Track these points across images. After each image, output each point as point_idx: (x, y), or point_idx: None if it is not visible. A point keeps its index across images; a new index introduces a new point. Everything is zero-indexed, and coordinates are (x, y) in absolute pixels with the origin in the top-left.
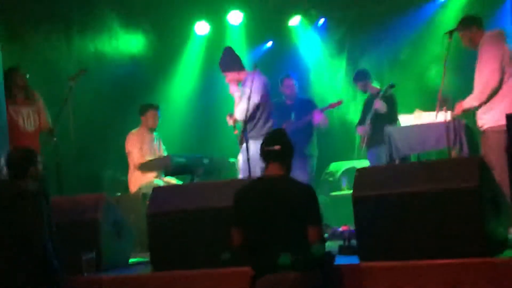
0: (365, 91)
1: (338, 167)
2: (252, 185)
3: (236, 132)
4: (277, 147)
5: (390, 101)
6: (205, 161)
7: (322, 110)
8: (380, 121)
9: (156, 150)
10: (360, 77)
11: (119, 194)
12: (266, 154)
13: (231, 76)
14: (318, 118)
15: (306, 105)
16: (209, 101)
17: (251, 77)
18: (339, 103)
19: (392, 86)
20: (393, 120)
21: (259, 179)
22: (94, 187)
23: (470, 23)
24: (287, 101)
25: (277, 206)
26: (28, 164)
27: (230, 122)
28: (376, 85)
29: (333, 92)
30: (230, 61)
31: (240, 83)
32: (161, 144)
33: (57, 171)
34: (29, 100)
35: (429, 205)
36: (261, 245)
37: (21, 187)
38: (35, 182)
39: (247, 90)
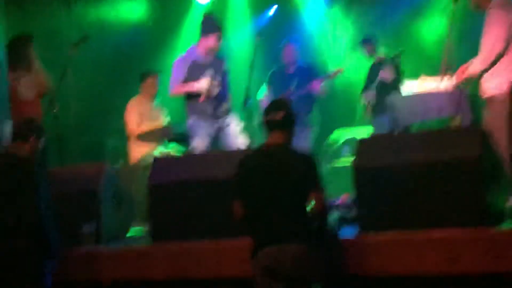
0: (371, 56)
1: (340, 136)
2: (253, 156)
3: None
4: (279, 116)
5: (397, 69)
6: None
7: (321, 80)
8: (385, 89)
9: (156, 118)
10: (368, 40)
11: (121, 162)
12: (268, 123)
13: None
14: (316, 88)
15: (307, 73)
16: None
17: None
18: (339, 71)
19: (400, 54)
20: (398, 88)
21: (261, 149)
22: (96, 157)
23: None
24: (287, 69)
25: (279, 176)
26: (31, 133)
27: None
28: (381, 52)
29: (336, 59)
30: None
31: None
32: (162, 112)
33: (58, 140)
34: (29, 67)
35: (430, 175)
36: (262, 216)
37: (18, 155)
38: (34, 150)
39: None
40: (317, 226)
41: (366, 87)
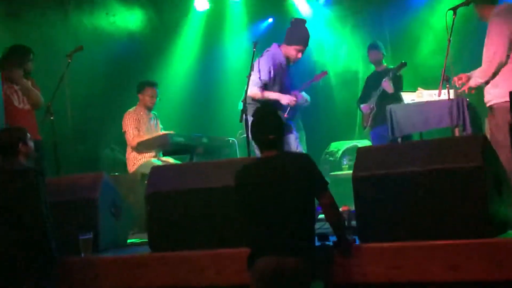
0: (375, 63)
1: (339, 146)
2: (252, 165)
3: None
4: (271, 136)
5: (399, 80)
6: (204, 140)
7: (300, 89)
8: (386, 100)
9: (153, 129)
10: (376, 47)
11: (117, 174)
12: (260, 143)
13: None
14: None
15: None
16: (208, 79)
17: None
18: (323, 74)
19: (404, 64)
20: (398, 99)
21: (259, 159)
22: (93, 167)
23: None
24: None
25: (279, 182)
26: (16, 141)
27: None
28: (384, 62)
29: (336, 69)
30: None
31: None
32: (159, 123)
33: (55, 150)
34: (26, 78)
35: (431, 184)
36: (262, 225)
37: (14, 166)
38: (27, 159)
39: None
40: (337, 234)
41: (363, 97)
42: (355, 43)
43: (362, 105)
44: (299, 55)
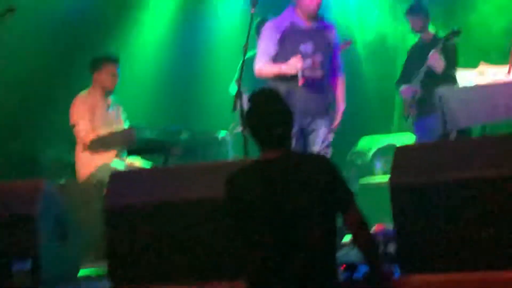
0: (418, 31)
1: (370, 144)
2: (250, 170)
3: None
4: (276, 130)
5: (451, 54)
6: (184, 135)
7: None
8: (435, 80)
9: (113, 121)
10: (417, 10)
11: (63, 180)
12: (260, 139)
13: None
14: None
15: None
16: (190, 52)
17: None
18: (348, 43)
19: (456, 32)
20: (452, 80)
21: (256, 161)
22: (30, 172)
23: None
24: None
25: (287, 193)
26: None
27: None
28: (431, 29)
29: (365, 36)
30: None
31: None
32: (121, 112)
33: None
34: None
35: (494, 196)
36: (264, 252)
37: None
38: None
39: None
40: (368, 262)
41: (404, 77)
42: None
43: (402, 87)
44: (317, 5)
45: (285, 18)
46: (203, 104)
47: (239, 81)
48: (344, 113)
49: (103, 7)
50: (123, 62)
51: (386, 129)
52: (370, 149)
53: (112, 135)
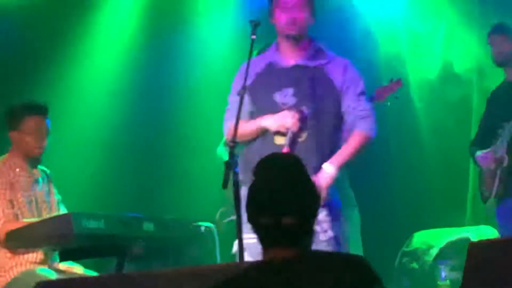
0: (503, 60)
1: (431, 240)
2: (248, 278)
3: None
4: (289, 219)
5: None
6: (148, 227)
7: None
8: None
9: (41, 203)
10: (504, 29)
11: None
12: (266, 231)
13: None
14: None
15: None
16: (158, 100)
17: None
18: (397, 86)
19: None
20: None
21: (261, 265)
22: None
23: None
24: None
25: None
26: None
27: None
28: None
29: (423, 74)
30: None
31: None
32: (53, 189)
33: None
34: None
35: None
36: None
37: None
38: None
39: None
40: None
41: (482, 137)
42: (463, 22)
43: (479, 153)
44: (290, 19)
45: (265, 57)
46: (177, 179)
47: (233, 142)
48: (389, 193)
49: (31, 32)
50: (57, 113)
51: (453, 219)
52: (430, 248)
53: (40, 225)
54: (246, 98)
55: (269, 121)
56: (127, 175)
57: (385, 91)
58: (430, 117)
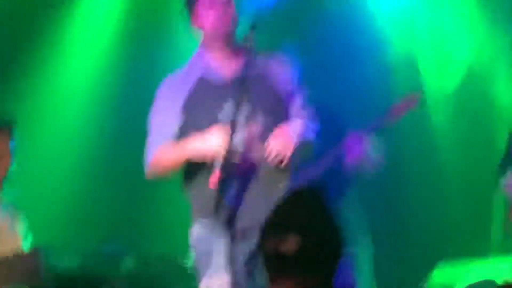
0: None
1: (453, 276)
2: None
3: None
4: (293, 245)
5: None
6: (128, 263)
7: (367, 129)
8: None
9: (4, 237)
10: None
11: None
12: (269, 261)
13: None
14: (353, 151)
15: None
16: (139, 121)
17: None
18: (414, 100)
19: None
20: None
21: None
22: None
23: None
24: None
25: None
26: None
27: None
28: None
29: (444, 85)
30: None
31: None
32: (19, 222)
33: None
34: None
35: None
36: None
37: None
38: None
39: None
40: None
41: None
42: (492, 27)
43: (508, 178)
44: (222, 15)
45: (193, 69)
46: (163, 205)
47: (222, 168)
48: (407, 224)
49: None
50: (25, 130)
51: (479, 251)
52: (453, 283)
53: (1, 263)
54: (174, 124)
55: (192, 151)
56: (105, 200)
57: (400, 109)
58: (452, 135)
